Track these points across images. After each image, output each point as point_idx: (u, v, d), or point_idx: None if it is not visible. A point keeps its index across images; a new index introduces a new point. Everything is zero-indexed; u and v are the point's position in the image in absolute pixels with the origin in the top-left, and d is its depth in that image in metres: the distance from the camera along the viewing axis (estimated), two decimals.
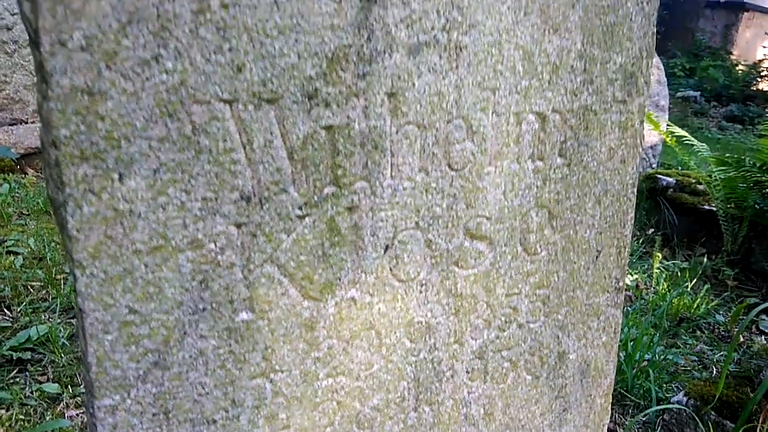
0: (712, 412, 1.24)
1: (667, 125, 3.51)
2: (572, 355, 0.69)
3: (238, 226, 0.47)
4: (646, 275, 2.35)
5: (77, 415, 1.21)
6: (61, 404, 1.24)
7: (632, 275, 2.34)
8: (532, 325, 0.65)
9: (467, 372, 0.63)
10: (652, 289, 2.27)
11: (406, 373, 0.59)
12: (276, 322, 0.51)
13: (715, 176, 2.76)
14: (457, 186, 0.56)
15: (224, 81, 0.44)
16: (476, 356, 0.63)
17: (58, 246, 1.85)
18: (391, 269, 0.55)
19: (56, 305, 1.52)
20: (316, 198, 0.50)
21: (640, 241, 2.84)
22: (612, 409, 1.49)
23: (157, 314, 0.46)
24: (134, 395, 0.47)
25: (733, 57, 10.74)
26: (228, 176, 0.46)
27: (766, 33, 10.24)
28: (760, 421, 1.14)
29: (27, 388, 1.26)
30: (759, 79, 8.48)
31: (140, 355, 0.46)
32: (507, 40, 0.55)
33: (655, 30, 0.67)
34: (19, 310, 1.51)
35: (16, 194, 2.31)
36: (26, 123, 2.72)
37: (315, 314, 0.52)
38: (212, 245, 0.46)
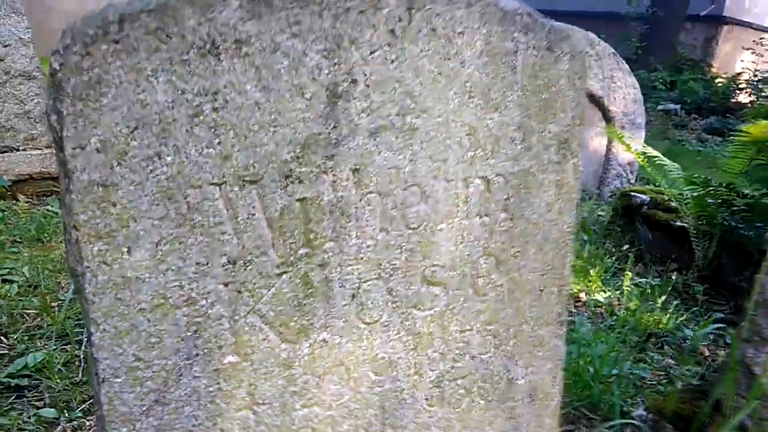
0: (669, 426, 1.34)
1: (643, 145, 3.65)
2: (521, 381, 0.80)
3: (226, 284, 0.57)
4: (618, 291, 2.46)
5: None
6: (58, 428, 1.32)
7: (605, 292, 2.45)
8: (483, 356, 0.76)
9: (426, 399, 0.73)
10: (623, 305, 2.38)
11: (372, 402, 0.68)
12: (258, 363, 0.60)
13: (686, 194, 2.88)
14: (414, 242, 0.67)
15: (214, 168, 0.54)
16: (434, 385, 0.73)
17: (51, 274, 1.93)
18: (357, 314, 0.65)
19: (52, 332, 1.60)
20: (291, 258, 0.60)
21: (614, 257, 2.95)
22: (580, 422, 1.59)
23: (158, 360, 0.55)
24: (139, 427, 0.56)
25: (713, 69, 11.00)
26: (217, 244, 0.55)
27: (743, 47, 10.51)
28: None
29: (24, 414, 1.34)
30: (738, 92, 8.71)
31: (144, 394, 0.56)
32: (454, 119, 0.65)
33: (583, 100, 0.77)
34: (15, 337, 1.59)
35: (9, 221, 2.38)
36: (17, 150, 2.80)
37: (292, 355, 0.62)
38: (204, 301, 0.56)
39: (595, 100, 3.97)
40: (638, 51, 9.94)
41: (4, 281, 1.85)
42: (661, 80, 8.95)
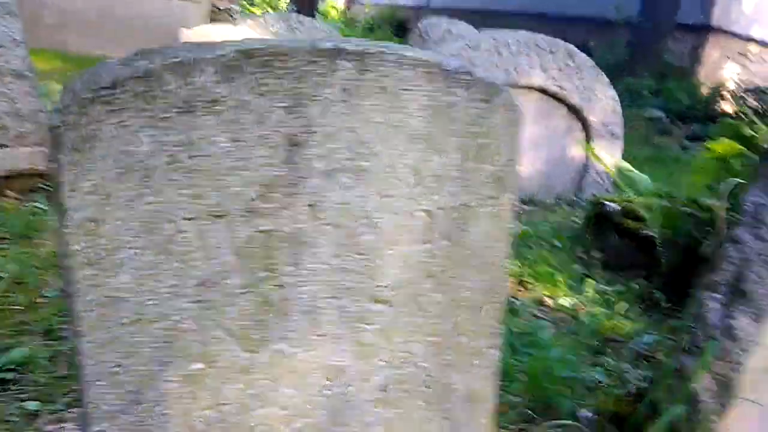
0: (609, 426, 1.47)
1: (615, 157, 3.78)
2: (459, 386, 0.91)
3: (196, 302, 0.67)
4: (583, 297, 2.59)
5: (56, 429, 1.38)
6: (40, 420, 1.41)
7: (570, 297, 2.57)
8: (424, 365, 0.87)
9: (372, 401, 0.84)
10: (586, 310, 2.50)
11: (322, 403, 0.79)
12: (223, 370, 0.71)
13: (654, 205, 3.02)
14: (363, 266, 0.77)
15: (188, 206, 0.64)
16: (379, 389, 0.84)
17: (38, 270, 2.01)
18: (311, 328, 0.76)
19: (37, 328, 1.70)
20: (253, 280, 0.70)
21: (584, 264, 3.08)
22: (533, 422, 1.71)
23: (135, 366, 0.66)
24: (118, 423, 0.67)
25: (700, 77, 11.19)
26: (189, 269, 0.66)
27: (727, 56, 10.71)
28: None
29: (9, 406, 1.43)
30: (721, 100, 8.89)
31: (122, 395, 0.66)
32: (400, 161, 0.76)
33: (518, 143, 0.88)
34: (1, 332, 1.68)
35: None
36: (7, 147, 2.86)
37: (252, 362, 0.73)
38: (176, 317, 0.66)
39: (574, 111, 4.10)
40: (626, 58, 10.11)
41: None
42: (647, 87, 9.12)
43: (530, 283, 2.68)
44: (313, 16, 14.62)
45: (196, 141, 0.63)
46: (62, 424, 1.35)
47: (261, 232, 0.69)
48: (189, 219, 0.64)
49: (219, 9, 7.89)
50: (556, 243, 3.27)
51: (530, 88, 3.89)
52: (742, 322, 1.33)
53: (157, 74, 0.59)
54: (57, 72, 6.45)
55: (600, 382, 1.99)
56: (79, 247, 0.60)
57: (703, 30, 11.50)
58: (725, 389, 1.38)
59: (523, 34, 3.77)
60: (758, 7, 12.03)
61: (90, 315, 0.62)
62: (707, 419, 1.41)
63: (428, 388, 0.88)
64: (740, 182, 2.18)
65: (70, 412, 1.40)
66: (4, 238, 2.29)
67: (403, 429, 0.88)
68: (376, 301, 0.80)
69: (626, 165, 3.20)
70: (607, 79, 4.08)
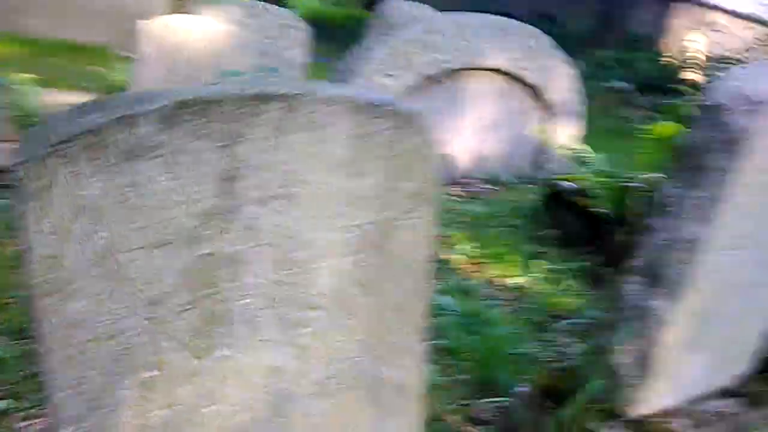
0: (541, 399, 1.62)
1: (572, 135, 3.90)
2: (389, 378, 1.04)
3: (147, 319, 0.78)
4: (532, 276, 2.74)
5: (25, 426, 1.49)
6: (11, 417, 1.51)
7: (521, 277, 2.73)
8: (356, 360, 0.99)
9: (310, 395, 0.96)
10: (536, 288, 2.66)
11: (265, 399, 0.91)
12: (173, 375, 0.82)
13: (604, 184, 3.17)
14: (298, 278, 0.89)
15: (137, 237, 0.74)
16: (315, 384, 0.96)
17: (3, 271, 2.08)
18: (252, 334, 0.87)
19: (5, 328, 1.78)
20: (198, 297, 0.81)
21: (539, 242, 3.24)
22: (476, 397, 1.86)
23: (94, 377, 0.77)
24: (82, 426, 0.78)
25: (666, 47, 11.36)
26: (139, 291, 0.76)
27: (693, 26, 10.88)
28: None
29: None
30: (684, 70, 9.09)
31: (85, 401, 0.77)
32: (328, 186, 0.87)
33: (434, 162, 0.99)
34: None
35: None
36: None
37: (200, 367, 0.84)
38: (130, 333, 0.77)
39: (535, 90, 4.21)
40: (592, 29, 10.23)
41: None
42: (612, 58, 9.27)
43: (484, 264, 2.82)
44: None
45: (141, 182, 0.72)
46: (32, 421, 1.45)
47: (202, 255, 0.79)
48: (137, 249, 0.75)
49: None
50: (513, 222, 3.42)
51: (491, 69, 3.98)
52: (656, 303, 1.49)
53: (105, 128, 0.68)
54: (17, 58, 6.34)
55: (539, 357, 2.15)
56: (42, 278, 0.70)
57: None
58: (641, 364, 1.54)
59: (484, 17, 3.85)
60: None
61: (53, 335, 0.72)
62: (627, 390, 1.57)
63: (360, 381, 1.01)
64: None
65: (38, 409, 1.50)
66: None
67: (339, 418, 1.01)
68: (311, 308, 0.91)
69: (578, 144, 3.33)
70: (563, 56, 4.19)
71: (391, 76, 3.59)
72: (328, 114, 0.83)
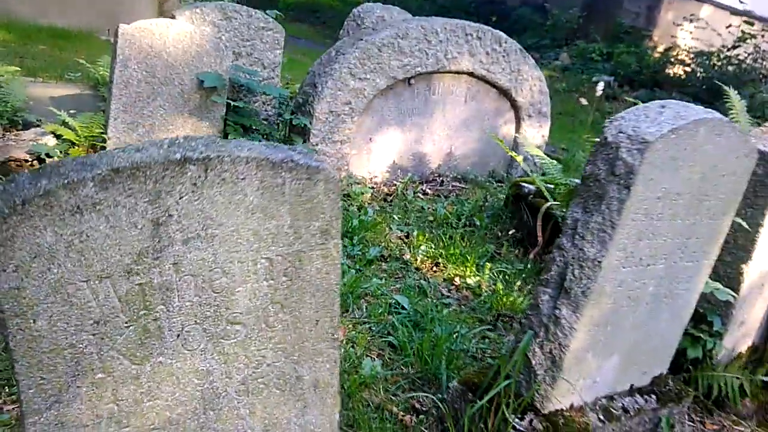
0: (466, 391, 1.86)
1: (541, 134, 4.11)
2: (306, 377, 1.27)
3: (94, 335, 1.01)
4: (487, 275, 2.98)
5: (12, 408, 1.72)
6: (1, 399, 1.75)
7: (476, 277, 2.96)
8: (276, 364, 1.22)
9: (236, 392, 1.19)
10: (489, 287, 2.90)
11: (196, 396, 1.14)
12: (118, 377, 1.05)
13: (558, 186, 3.40)
14: (219, 300, 1.11)
15: (83, 272, 0.96)
16: (240, 383, 1.19)
17: None
18: (182, 345, 1.10)
19: None
20: (135, 317, 1.04)
21: (499, 241, 3.47)
22: (417, 389, 2.10)
23: (55, 378, 0.99)
24: (45, 416, 1.01)
25: (655, 38, 11.52)
26: (87, 313, 0.99)
27: (681, 19, 11.05)
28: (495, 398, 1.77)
29: None
30: (669, 65, 9.30)
31: (47, 398, 1.00)
32: (243, 227, 1.09)
33: (340, 203, 1.21)
34: None
35: None
36: None
37: (139, 371, 1.07)
38: (81, 346, 1.00)
39: (503, 92, 4.43)
40: (579, 20, 10.38)
41: None
42: (597, 51, 9.47)
43: (444, 264, 3.05)
44: None
45: (85, 230, 0.94)
46: (15, 407, 1.68)
47: (138, 284, 1.02)
48: (84, 281, 0.97)
49: None
50: (477, 222, 3.65)
51: (459, 72, 4.18)
52: (564, 312, 1.72)
53: (53, 192, 0.90)
54: (3, 45, 6.49)
55: (476, 354, 2.39)
56: (8, 305, 0.92)
57: None
58: (553, 364, 1.78)
59: (451, 22, 4.05)
60: None
61: (20, 348, 0.95)
62: (543, 387, 1.81)
63: (280, 380, 1.24)
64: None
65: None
66: None
67: (263, 410, 1.24)
68: (232, 323, 1.14)
69: (536, 150, 3.54)
70: (533, 62, 4.40)
71: (362, 79, 3.80)
72: (241, 171, 1.05)
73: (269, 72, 4.05)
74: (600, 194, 1.63)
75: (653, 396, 2.06)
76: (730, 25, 8.86)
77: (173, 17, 3.62)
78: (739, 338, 2.35)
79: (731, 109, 3.12)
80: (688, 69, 9.04)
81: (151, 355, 1.08)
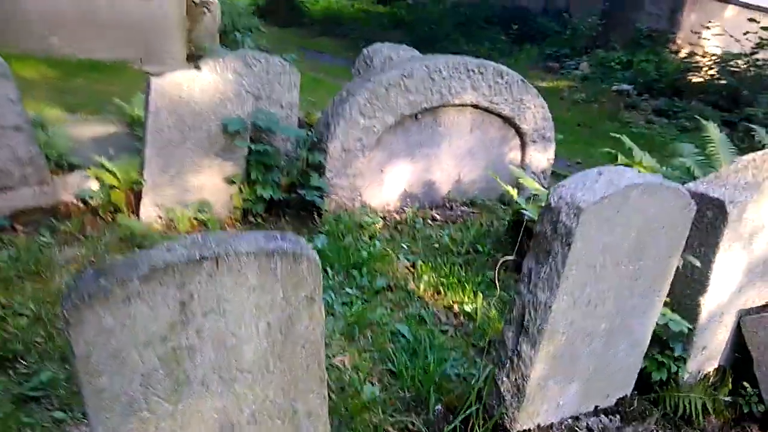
0: (446, 414, 2.23)
1: (546, 158, 4.43)
2: (301, 410, 1.66)
3: (140, 385, 1.41)
4: (484, 303, 3.33)
5: (78, 430, 2.16)
6: (66, 424, 2.19)
7: (473, 304, 3.31)
8: (277, 400, 1.61)
9: (246, 423, 1.59)
10: (482, 315, 3.24)
11: (216, 427, 1.54)
12: (159, 415, 1.45)
13: None
14: (231, 355, 1.51)
15: (132, 341, 1.37)
16: (250, 416, 1.59)
17: (51, 306, 2.76)
18: (205, 389, 1.50)
19: (56, 355, 2.45)
20: (170, 371, 1.44)
21: (497, 268, 3.80)
22: (411, 412, 2.47)
23: (114, 416, 1.40)
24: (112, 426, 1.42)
25: (678, 41, 11.61)
26: (135, 370, 1.40)
27: (704, 22, 11.10)
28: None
29: (43, 416, 2.21)
30: (689, 73, 9.41)
31: (109, 429, 1.41)
32: (246, 301, 1.48)
33: (320, 276, 1.59)
34: (31, 360, 2.44)
35: (10, 254, 3.20)
36: (12, 189, 3.59)
37: (174, 410, 1.47)
38: (132, 393, 1.41)
39: (508, 120, 4.77)
40: (599, 28, 10.56)
41: (17, 314, 2.68)
42: (617, 60, 9.66)
43: (443, 292, 3.42)
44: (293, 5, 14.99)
45: (133, 312, 1.35)
46: (82, 428, 2.12)
47: (171, 347, 1.42)
48: (133, 348, 1.37)
49: (195, 3, 8.40)
50: (479, 248, 4.00)
51: (464, 105, 4.54)
52: (525, 347, 2.08)
53: (110, 288, 1.31)
54: (44, 81, 7.10)
55: (463, 377, 2.74)
56: (82, 367, 1.33)
57: None
58: (519, 390, 2.14)
59: (453, 59, 4.42)
60: None
61: (89, 396, 1.36)
62: (511, 410, 2.17)
63: (281, 413, 1.63)
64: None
65: (84, 419, 2.17)
66: (21, 277, 3.04)
67: None
68: (241, 371, 1.54)
69: (530, 182, 3.86)
70: (535, 90, 4.73)
71: (372, 117, 4.19)
72: (243, 261, 1.45)
73: (287, 111, 4.47)
74: (547, 249, 1.99)
75: (617, 416, 2.40)
76: (747, 33, 8.96)
77: (199, 68, 4.07)
78: (703, 361, 2.66)
79: (711, 143, 3.40)
80: (707, 76, 9.16)
81: (182, 398, 1.48)
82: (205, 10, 8.54)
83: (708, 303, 2.51)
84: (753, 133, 7.88)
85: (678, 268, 2.32)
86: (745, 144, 7.86)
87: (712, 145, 3.36)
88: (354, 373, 2.58)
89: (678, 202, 2.12)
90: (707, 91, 8.77)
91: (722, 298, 2.55)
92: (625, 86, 9.19)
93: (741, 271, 2.54)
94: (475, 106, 4.56)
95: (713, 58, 9.50)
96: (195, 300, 1.42)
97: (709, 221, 2.42)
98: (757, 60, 8.93)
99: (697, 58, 9.68)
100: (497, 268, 3.49)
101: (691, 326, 2.45)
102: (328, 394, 2.36)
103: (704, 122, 3.53)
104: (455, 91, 4.39)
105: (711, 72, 9.14)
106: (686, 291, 2.52)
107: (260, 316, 1.52)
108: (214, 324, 1.47)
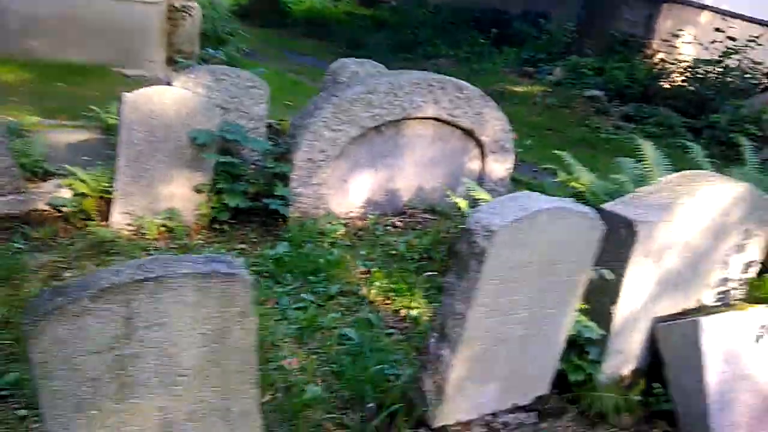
0: (373, 410, 2.49)
1: (505, 168, 4.70)
2: (235, 409, 1.92)
3: (89, 387, 1.67)
4: (430, 307, 3.60)
5: (38, 427, 2.40)
6: (29, 420, 2.43)
7: (419, 309, 3.59)
8: (212, 401, 1.88)
9: (184, 421, 1.85)
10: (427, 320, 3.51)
11: (156, 424, 1.80)
12: (105, 412, 1.71)
13: None
14: (171, 362, 1.77)
15: (83, 350, 1.63)
16: (187, 415, 1.85)
17: (20, 311, 2.99)
18: (146, 391, 1.76)
19: (23, 357, 2.69)
20: (116, 375, 1.70)
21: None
22: (349, 410, 2.74)
23: (66, 413, 1.66)
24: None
25: (654, 47, 11.93)
26: (85, 374, 1.65)
27: (680, 28, 11.38)
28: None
29: (8, 414, 2.45)
30: (659, 79, 9.74)
31: (60, 424, 1.66)
32: (185, 315, 1.74)
33: (250, 294, 1.85)
34: (0, 362, 2.68)
35: None
36: None
37: (119, 408, 1.73)
38: (81, 394, 1.66)
39: (468, 132, 5.05)
40: (574, 35, 10.85)
41: None
42: (589, 66, 9.97)
43: (394, 297, 3.69)
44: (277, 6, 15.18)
45: (84, 325, 1.60)
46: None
47: (117, 355, 1.68)
48: (83, 355, 1.63)
49: (175, 8, 8.60)
50: (432, 254, 4.27)
51: (426, 118, 4.81)
52: (445, 352, 2.35)
53: (64, 305, 1.56)
54: (23, 84, 7.28)
55: (398, 377, 3.00)
56: (38, 372, 1.58)
57: None
58: (439, 390, 2.41)
59: (416, 75, 4.69)
60: None
61: (44, 396, 1.61)
62: (433, 407, 2.44)
63: (216, 412, 1.89)
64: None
65: None
66: None
67: None
68: (180, 376, 1.80)
69: (482, 194, 4.13)
70: (494, 104, 5.00)
71: (336, 130, 4.45)
72: (182, 282, 1.70)
73: (255, 123, 4.72)
74: (465, 266, 2.26)
75: (534, 412, 2.68)
76: (713, 41, 9.29)
77: (170, 84, 4.31)
78: (620, 364, 2.95)
79: (645, 161, 3.69)
80: (675, 82, 9.49)
81: (126, 398, 1.74)
82: (186, 15, 8.74)
83: (621, 311, 2.80)
84: (721, 140, 8.24)
85: (592, 280, 2.61)
86: (708, 150, 8.21)
87: (647, 163, 3.65)
88: (300, 374, 2.84)
89: (585, 224, 2.40)
90: (675, 97, 9.10)
91: (635, 307, 2.84)
92: (596, 92, 9.50)
93: (653, 283, 2.83)
94: (437, 119, 4.83)
95: (681, 65, 9.82)
96: (138, 314, 1.68)
97: (621, 238, 2.70)
98: (724, 67, 9.27)
99: (667, 64, 10.00)
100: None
101: (605, 333, 2.74)
102: (275, 394, 2.65)
103: (640, 141, 3.81)
104: (417, 105, 4.65)
105: (679, 79, 9.46)
106: (601, 300, 2.80)
107: (197, 328, 1.78)
108: (156, 335, 1.72)
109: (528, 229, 2.24)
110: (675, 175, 3.01)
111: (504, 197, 2.33)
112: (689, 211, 2.76)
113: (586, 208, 2.42)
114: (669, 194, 2.84)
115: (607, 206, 2.78)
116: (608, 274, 2.70)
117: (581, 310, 2.73)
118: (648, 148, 3.73)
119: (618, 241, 2.71)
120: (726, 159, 6.92)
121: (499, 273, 2.25)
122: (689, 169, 3.18)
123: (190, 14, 8.76)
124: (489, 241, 2.17)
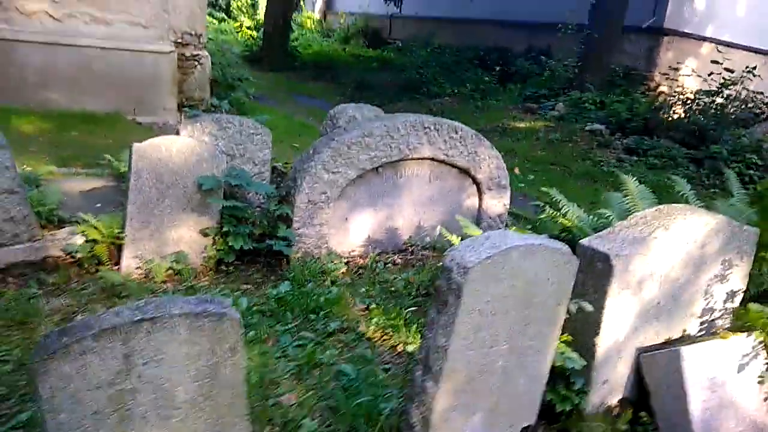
0: None
1: (505, 204, 4.87)
2: None
3: (93, 420, 1.84)
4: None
5: None
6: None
7: (415, 344, 3.72)
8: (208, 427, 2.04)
9: None
10: None
11: None
12: None
13: None
14: (167, 395, 1.94)
15: (86, 385, 1.81)
16: None
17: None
18: (145, 423, 1.93)
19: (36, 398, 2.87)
20: (116, 408, 1.87)
21: None
22: None
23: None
24: None
25: (655, 79, 12.15)
26: (89, 408, 1.83)
27: (680, 60, 11.63)
28: None
29: None
30: (660, 111, 9.91)
31: None
32: (178, 352, 1.91)
33: (240, 331, 2.03)
34: (12, 402, 2.86)
35: (1, 305, 3.64)
36: (5, 246, 4.05)
37: None
38: (85, 426, 1.83)
39: (464, 171, 5.24)
40: (575, 71, 11.12)
41: (2, 361, 3.11)
42: (591, 100, 10.19)
43: (391, 333, 3.84)
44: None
45: (87, 362, 1.79)
46: None
47: (117, 390, 1.85)
48: (87, 390, 1.80)
49: (186, 57, 9.00)
50: (431, 291, 4.42)
51: (422, 158, 5.02)
52: (429, 384, 2.50)
53: (69, 344, 1.75)
54: (40, 134, 7.63)
55: (392, 410, 3.13)
56: (46, 407, 1.76)
57: (656, 32, 12.46)
58: (425, 420, 2.55)
59: (411, 117, 4.91)
60: (710, 5, 12.86)
61: (51, 429, 1.79)
62: None
63: None
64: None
65: None
66: (9, 326, 3.47)
67: None
68: (175, 408, 1.97)
69: (474, 231, 4.29)
70: (489, 143, 5.21)
71: (335, 172, 4.67)
72: (175, 322, 1.89)
73: (260, 168, 4.96)
74: (444, 301, 2.42)
75: None
76: (711, 73, 9.49)
77: (178, 133, 4.57)
78: (606, 394, 3.06)
79: (628, 195, 3.85)
80: (676, 114, 9.66)
81: (127, 430, 1.91)
82: (196, 63, 9.14)
83: (603, 342, 2.92)
84: (722, 171, 8.35)
85: (573, 311, 2.75)
86: (709, 181, 8.33)
87: (629, 197, 3.80)
88: (298, 410, 2.99)
89: (559, 259, 2.55)
90: (676, 129, 9.25)
91: (618, 338, 2.97)
92: (598, 125, 9.69)
93: (634, 314, 2.96)
94: (433, 159, 5.04)
95: (681, 97, 10.01)
96: (136, 352, 1.86)
97: (599, 271, 2.85)
98: (725, 98, 9.44)
99: (667, 97, 10.19)
100: None
101: (587, 363, 2.87)
102: (272, 430, 2.79)
103: (622, 177, 3.97)
104: (413, 147, 4.87)
105: (680, 110, 9.63)
106: (584, 332, 2.93)
107: (190, 363, 1.95)
108: (153, 371, 1.90)
109: (501, 266, 2.40)
110: (650, 209, 3.16)
111: (477, 236, 2.50)
112: (664, 245, 2.90)
113: (560, 244, 2.57)
114: (644, 228, 2.99)
115: (584, 241, 2.94)
116: (588, 306, 2.84)
117: (565, 342, 2.86)
118: (629, 183, 3.89)
119: (596, 275, 2.86)
120: (725, 190, 7.02)
121: (477, 307, 2.41)
122: (674, 203, 3.33)
123: (200, 63, 9.16)
124: (464, 278, 2.33)
